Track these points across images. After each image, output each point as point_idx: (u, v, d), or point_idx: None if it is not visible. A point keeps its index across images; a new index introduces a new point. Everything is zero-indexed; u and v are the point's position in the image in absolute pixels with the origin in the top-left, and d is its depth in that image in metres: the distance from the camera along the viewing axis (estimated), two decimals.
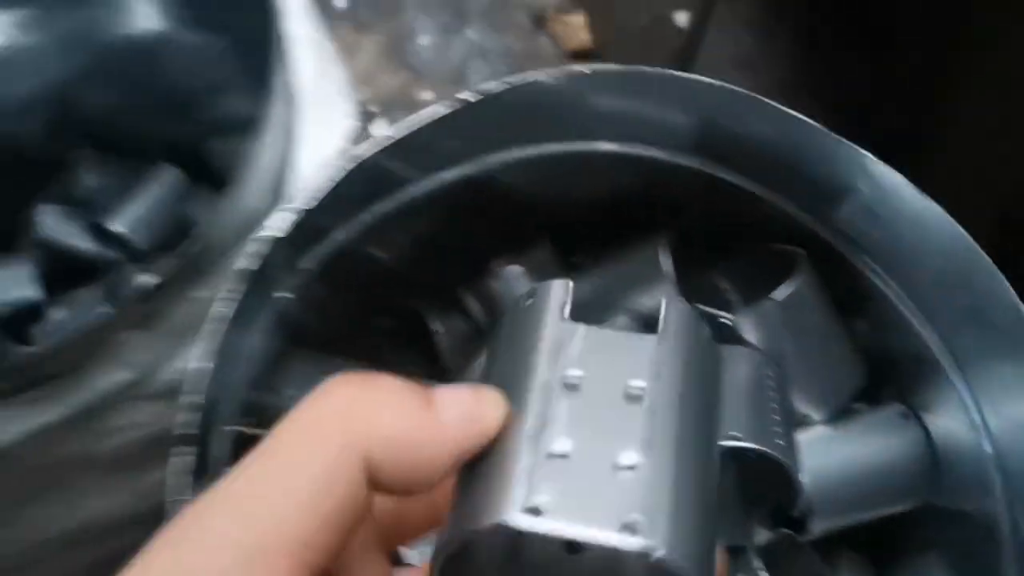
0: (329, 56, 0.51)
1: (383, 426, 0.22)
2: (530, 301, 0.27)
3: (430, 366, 0.53)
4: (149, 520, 0.56)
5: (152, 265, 0.84)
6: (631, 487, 0.22)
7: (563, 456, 0.23)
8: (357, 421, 0.22)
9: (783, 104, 0.44)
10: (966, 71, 1.00)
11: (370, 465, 0.22)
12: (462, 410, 0.23)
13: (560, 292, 0.27)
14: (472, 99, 0.42)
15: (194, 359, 0.39)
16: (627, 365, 0.25)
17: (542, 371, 0.25)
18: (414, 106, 1.45)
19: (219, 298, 0.39)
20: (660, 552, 0.21)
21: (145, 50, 0.76)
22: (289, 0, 0.49)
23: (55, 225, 0.87)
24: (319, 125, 0.49)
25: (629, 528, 0.22)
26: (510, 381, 0.25)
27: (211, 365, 0.39)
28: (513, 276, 0.50)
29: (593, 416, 0.24)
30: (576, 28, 1.48)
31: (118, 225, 0.84)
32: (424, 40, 1.50)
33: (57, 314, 0.89)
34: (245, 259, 0.40)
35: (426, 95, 1.47)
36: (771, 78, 1.43)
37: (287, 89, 0.48)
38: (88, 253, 0.87)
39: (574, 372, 0.25)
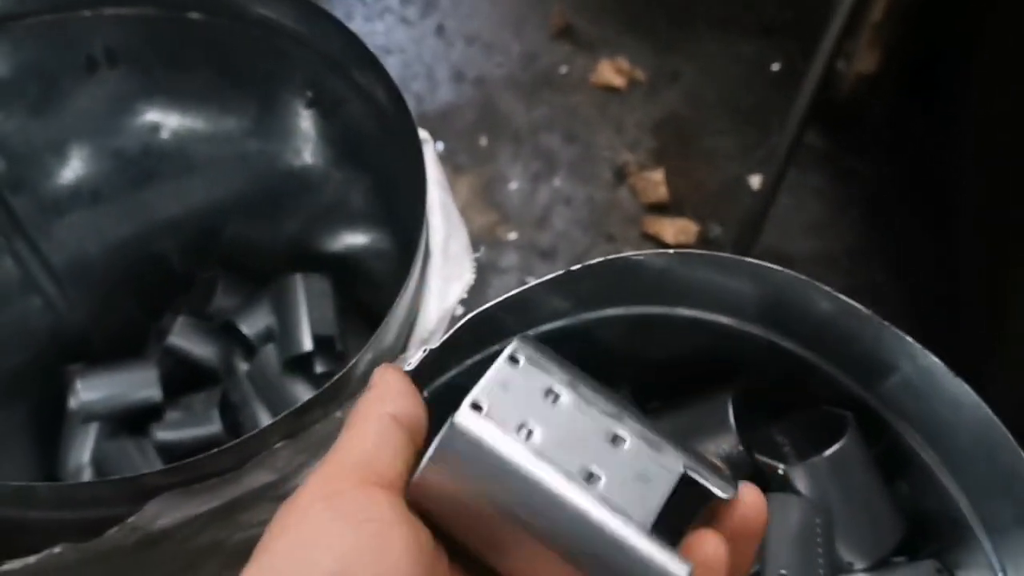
0: (456, 220, 0.60)
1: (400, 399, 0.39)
2: None
3: None
4: None
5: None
6: None
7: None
8: (387, 403, 0.39)
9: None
10: None
11: (397, 419, 0.38)
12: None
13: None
14: (575, 269, 0.51)
15: None
16: None
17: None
18: (499, 244, 1.56)
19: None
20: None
21: (297, 182, 0.84)
22: (429, 168, 0.59)
23: (182, 335, 0.97)
24: (446, 279, 0.58)
25: None
26: None
27: None
28: None
29: None
30: (655, 183, 1.55)
31: (245, 328, 0.93)
32: (513, 185, 1.61)
33: (173, 415, 0.98)
34: None
35: (511, 235, 1.56)
36: (839, 244, 1.50)
37: (427, 249, 0.58)
38: (209, 362, 0.97)
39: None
